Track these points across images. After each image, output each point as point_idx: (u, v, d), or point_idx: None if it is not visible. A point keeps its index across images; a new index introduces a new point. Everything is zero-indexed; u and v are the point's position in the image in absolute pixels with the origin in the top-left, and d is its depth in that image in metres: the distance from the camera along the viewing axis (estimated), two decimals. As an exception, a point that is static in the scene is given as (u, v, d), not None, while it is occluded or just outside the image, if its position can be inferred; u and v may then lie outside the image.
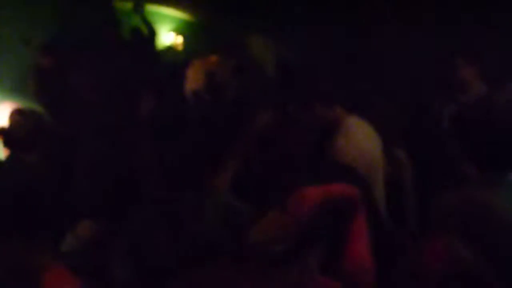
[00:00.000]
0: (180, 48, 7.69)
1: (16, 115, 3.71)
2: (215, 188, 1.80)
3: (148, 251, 1.49)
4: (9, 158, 3.31)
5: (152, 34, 5.44)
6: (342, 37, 4.54)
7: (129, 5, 5.93)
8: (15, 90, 4.90)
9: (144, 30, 5.45)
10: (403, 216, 2.13)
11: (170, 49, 7.50)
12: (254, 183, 1.82)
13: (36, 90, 4.79)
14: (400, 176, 2.32)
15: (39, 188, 2.63)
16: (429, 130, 2.68)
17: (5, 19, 4.92)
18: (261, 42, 6.69)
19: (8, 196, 2.40)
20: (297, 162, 2.28)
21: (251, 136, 2.03)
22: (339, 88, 2.71)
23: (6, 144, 3.38)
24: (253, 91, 4.37)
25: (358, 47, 4.27)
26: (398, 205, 2.02)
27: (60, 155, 3.36)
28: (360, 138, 2.32)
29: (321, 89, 2.46)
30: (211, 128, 2.04)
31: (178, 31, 7.88)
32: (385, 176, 2.26)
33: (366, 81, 3.02)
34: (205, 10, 7.27)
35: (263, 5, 5.66)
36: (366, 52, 4.00)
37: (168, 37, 7.78)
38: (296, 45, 5.71)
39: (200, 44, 7.58)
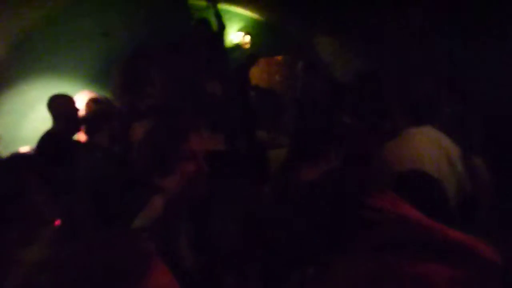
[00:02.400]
0: (247, 47, 7.80)
1: (92, 103, 3.91)
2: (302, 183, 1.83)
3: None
4: (86, 145, 3.49)
5: (221, 29, 5.55)
6: (418, 39, 4.43)
7: (202, 2, 6.08)
8: (93, 79, 5.15)
9: (214, 26, 5.57)
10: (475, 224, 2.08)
11: (238, 47, 7.62)
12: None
13: (120, 84, 4.99)
14: (477, 184, 2.26)
15: (114, 172, 2.76)
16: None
17: (85, 12, 5.16)
18: (329, 44, 6.68)
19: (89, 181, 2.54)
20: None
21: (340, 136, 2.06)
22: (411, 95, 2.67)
23: (85, 130, 3.57)
24: (320, 92, 4.38)
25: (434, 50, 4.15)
26: (472, 216, 1.97)
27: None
28: (417, 147, 2.29)
29: (400, 98, 2.45)
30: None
31: (247, 30, 7.98)
32: (459, 185, 2.21)
33: (447, 89, 2.95)
34: (274, 10, 7.32)
35: (332, 7, 5.62)
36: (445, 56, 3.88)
37: (236, 35, 7.91)
38: (365, 48, 5.66)
39: (267, 43, 7.64)
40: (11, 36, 4.53)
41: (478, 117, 2.85)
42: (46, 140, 3.42)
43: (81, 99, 4.14)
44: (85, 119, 3.66)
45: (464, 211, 2.09)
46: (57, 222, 1.85)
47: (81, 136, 3.65)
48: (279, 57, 7.32)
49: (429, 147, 2.28)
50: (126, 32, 5.42)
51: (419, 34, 4.41)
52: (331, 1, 5.47)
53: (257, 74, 6.92)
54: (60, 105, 3.55)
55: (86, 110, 3.89)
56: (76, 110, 3.65)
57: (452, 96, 2.96)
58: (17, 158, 3.40)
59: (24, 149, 4.13)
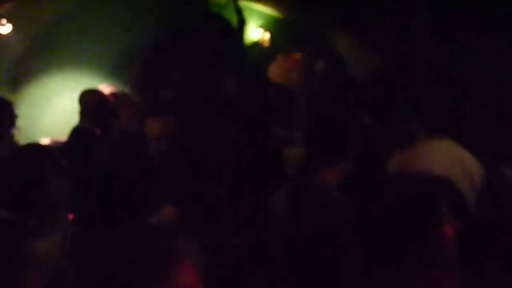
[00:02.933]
0: (267, 44, 7.78)
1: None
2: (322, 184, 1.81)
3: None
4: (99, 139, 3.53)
5: (242, 25, 5.55)
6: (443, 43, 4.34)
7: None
8: (112, 74, 5.20)
9: (235, 22, 5.57)
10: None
11: (257, 44, 7.61)
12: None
13: (139, 78, 5.04)
14: (504, 197, 2.19)
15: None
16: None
17: (106, 7, 5.21)
18: (348, 43, 6.64)
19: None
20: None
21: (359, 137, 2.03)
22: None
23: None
24: (337, 90, 4.35)
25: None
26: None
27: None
28: (432, 164, 2.20)
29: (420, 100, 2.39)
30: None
31: (266, 27, 7.96)
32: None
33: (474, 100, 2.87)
34: (294, 8, 7.29)
35: (352, 5, 5.58)
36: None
37: (256, 32, 7.88)
38: (383, 47, 5.61)
39: (286, 41, 7.62)
40: (33, 30, 4.59)
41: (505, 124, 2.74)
42: (74, 135, 3.45)
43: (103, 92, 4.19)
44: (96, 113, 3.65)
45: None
46: (70, 216, 1.88)
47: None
48: (297, 55, 7.29)
49: (446, 166, 2.17)
50: (146, 28, 5.46)
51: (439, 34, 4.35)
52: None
53: (274, 71, 6.90)
54: (89, 100, 3.56)
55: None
56: (105, 105, 3.65)
57: (475, 103, 2.88)
58: (39, 147, 3.44)
59: (45, 140, 4.20)
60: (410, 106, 2.44)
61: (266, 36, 7.77)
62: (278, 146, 3.00)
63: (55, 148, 3.78)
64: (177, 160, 1.78)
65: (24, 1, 4.09)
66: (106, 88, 4.33)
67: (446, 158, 2.20)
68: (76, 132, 3.46)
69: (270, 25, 7.93)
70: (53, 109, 5.01)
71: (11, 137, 3.17)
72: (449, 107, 2.40)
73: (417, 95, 2.56)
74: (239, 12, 5.51)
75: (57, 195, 1.76)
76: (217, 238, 1.47)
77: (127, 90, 4.90)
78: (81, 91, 3.62)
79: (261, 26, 7.89)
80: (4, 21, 4.18)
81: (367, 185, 1.85)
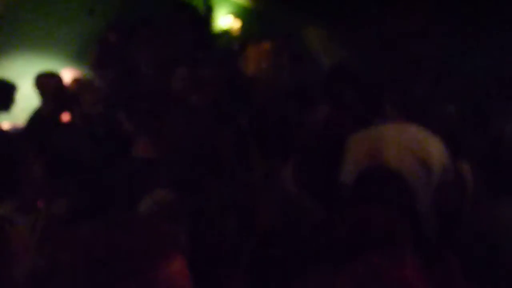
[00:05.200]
0: (236, 32, 7.72)
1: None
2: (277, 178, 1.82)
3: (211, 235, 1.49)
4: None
5: (209, 12, 5.51)
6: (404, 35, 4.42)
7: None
8: (76, 57, 5.07)
9: (201, 8, 5.52)
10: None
11: (226, 33, 7.55)
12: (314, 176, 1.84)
13: (97, 61, 4.95)
14: (461, 189, 2.23)
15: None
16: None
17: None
18: (317, 34, 6.67)
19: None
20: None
21: (312, 128, 2.04)
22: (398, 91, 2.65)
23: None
24: (306, 81, 4.37)
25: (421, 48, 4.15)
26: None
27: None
28: (382, 143, 2.23)
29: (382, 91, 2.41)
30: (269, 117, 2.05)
31: (236, 15, 7.91)
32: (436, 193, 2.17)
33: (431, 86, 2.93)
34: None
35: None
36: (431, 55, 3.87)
37: (224, 20, 7.81)
38: (352, 40, 5.67)
39: (255, 30, 7.59)
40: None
41: (468, 120, 2.80)
42: (34, 119, 3.34)
43: (64, 76, 4.07)
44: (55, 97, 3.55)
45: (442, 223, 2.05)
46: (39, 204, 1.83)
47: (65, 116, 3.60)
48: (267, 45, 7.28)
49: (396, 145, 2.20)
50: (110, 11, 5.34)
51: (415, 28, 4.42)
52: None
53: (243, 60, 6.87)
54: (46, 84, 3.45)
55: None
56: (64, 89, 3.57)
57: (444, 95, 2.93)
58: (15, 130, 3.34)
59: (5, 125, 4.06)
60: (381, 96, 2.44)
61: (236, 24, 7.72)
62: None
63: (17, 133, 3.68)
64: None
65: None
66: (69, 72, 4.23)
67: (399, 143, 2.22)
68: (35, 117, 3.36)
69: (239, 14, 7.89)
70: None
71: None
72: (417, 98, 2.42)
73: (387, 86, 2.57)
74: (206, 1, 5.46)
75: (35, 175, 1.74)
76: (206, 224, 1.44)
77: (90, 74, 4.81)
78: (37, 74, 3.51)
79: (231, 14, 7.83)
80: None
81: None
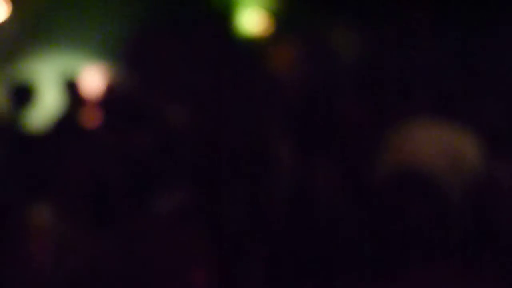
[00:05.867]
0: (259, 32, 7.72)
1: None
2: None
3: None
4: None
5: (230, 12, 5.50)
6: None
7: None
8: (103, 54, 5.13)
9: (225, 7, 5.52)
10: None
11: (251, 33, 7.55)
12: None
13: (130, 59, 5.00)
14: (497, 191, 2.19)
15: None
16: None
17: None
18: (341, 33, 6.63)
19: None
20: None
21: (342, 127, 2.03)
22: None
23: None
24: (329, 80, 4.35)
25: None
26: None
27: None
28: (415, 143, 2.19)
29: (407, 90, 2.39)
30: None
31: (259, 15, 7.91)
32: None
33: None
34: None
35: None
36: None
37: (247, 19, 7.82)
38: (379, 41, 5.63)
39: (278, 30, 7.58)
40: (25, 11, 4.52)
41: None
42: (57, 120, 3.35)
43: (90, 75, 4.13)
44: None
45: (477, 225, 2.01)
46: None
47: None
48: (289, 44, 7.27)
49: (428, 145, 2.17)
50: (137, 12, 5.39)
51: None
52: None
53: (265, 60, 6.88)
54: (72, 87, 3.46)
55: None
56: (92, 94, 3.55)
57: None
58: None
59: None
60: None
61: (259, 24, 7.72)
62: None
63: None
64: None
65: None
66: (97, 69, 4.27)
67: (431, 142, 2.19)
68: (64, 122, 3.33)
69: (263, 13, 7.88)
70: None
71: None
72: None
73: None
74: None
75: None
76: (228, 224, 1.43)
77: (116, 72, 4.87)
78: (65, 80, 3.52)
79: (253, 14, 7.83)
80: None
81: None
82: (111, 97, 3.67)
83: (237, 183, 1.61)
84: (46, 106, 4.08)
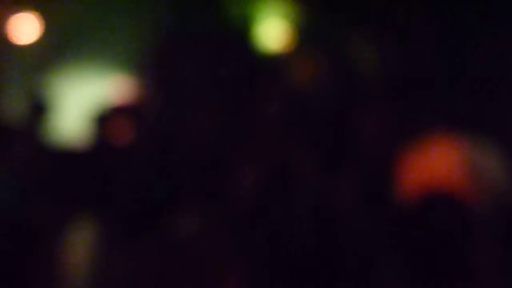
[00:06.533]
0: (277, 44, 7.77)
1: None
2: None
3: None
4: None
5: (253, 26, 5.55)
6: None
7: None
8: (128, 65, 5.22)
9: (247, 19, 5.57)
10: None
11: (270, 45, 7.61)
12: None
13: (148, 70, 5.09)
14: None
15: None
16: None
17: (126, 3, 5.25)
18: (360, 44, 6.64)
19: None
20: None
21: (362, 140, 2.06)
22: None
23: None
24: (349, 92, 4.39)
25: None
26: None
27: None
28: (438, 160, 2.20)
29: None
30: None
31: (277, 26, 7.96)
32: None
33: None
34: (306, 8, 7.30)
35: (365, 7, 5.60)
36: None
37: (267, 30, 7.88)
38: (396, 52, 5.62)
39: (297, 40, 7.61)
40: (56, 22, 4.64)
41: None
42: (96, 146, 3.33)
43: (115, 86, 4.22)
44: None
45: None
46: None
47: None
48: (309, 55, 7.30)
49: (449, 162, 2.17)
50: (159, 24, 5.48)
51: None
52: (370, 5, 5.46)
53: (286, 72, 6.91)
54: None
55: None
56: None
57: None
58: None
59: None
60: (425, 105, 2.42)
61: (277, 35, 7.77)
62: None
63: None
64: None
65: None
66: (121, 80, 4.35)
67: (451, 159, 2.19)
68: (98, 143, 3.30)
69: (281, 24, 7.93)
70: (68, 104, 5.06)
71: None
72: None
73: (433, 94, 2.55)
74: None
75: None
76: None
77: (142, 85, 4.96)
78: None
79: (272, 25, 7.88)
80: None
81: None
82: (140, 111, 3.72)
83: (261, 199, 1.66)
84: (69, 121, 4.18)
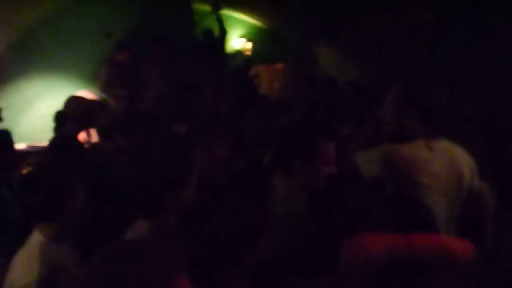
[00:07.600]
0: (248, 53, 7.80)
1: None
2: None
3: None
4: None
5: (223, 35, 5.54)
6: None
7: (206, 7, 6.08)
8: (92, 79, 5.12)
9: (216, 31, 5.56)
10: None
11: (239, 53, 7.62)
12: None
13: (106, 81, 5.02)
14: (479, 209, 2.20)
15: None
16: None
17: (86, 11, 5.16)
18: (331, 55, 6.69)
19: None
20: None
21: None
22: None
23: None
24: (320, 101, 4.35)
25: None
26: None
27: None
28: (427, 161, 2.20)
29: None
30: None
31: (248, 36, 8.00)
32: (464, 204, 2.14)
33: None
34: (276, 18, 7.33)
35: (334, 18, 5.63)
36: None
37: (238, 42, 7.92)
38: (366, 59, 5.66)
39: (268, 50, 7.65)
40: (12, 33, 4.50)
41: (484, 137, 2.77)
42: (60, 140, 3.30)
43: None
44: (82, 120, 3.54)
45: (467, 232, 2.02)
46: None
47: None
48: (279, 65, 7.33)
49: (441, 166, 2.15)
50: (127, 34, 5.41)
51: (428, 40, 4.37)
52: (333, 12, 5.48)
53: (256, 81, 6.91)
54: (75, 108, 3.44)
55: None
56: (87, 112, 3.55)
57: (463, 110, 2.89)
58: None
59: (20, 146, 4.09)
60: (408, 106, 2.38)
61: (248, 45, 7.80)
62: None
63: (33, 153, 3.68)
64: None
65: (3, 4, 4.00)
66: (86, 94, 4.25)
67: (442, 158, 2.18)
68: (63, 140, 3.28)
69: (252, 35, 7.97)
70: (30, 113, 4.91)
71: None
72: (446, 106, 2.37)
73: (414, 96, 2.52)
74: (220, 21, 5.50)
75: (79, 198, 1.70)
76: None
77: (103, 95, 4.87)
78: (68, 97, 3.51)
79: (243, 36, 7.93)
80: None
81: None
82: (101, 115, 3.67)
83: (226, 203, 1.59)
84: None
